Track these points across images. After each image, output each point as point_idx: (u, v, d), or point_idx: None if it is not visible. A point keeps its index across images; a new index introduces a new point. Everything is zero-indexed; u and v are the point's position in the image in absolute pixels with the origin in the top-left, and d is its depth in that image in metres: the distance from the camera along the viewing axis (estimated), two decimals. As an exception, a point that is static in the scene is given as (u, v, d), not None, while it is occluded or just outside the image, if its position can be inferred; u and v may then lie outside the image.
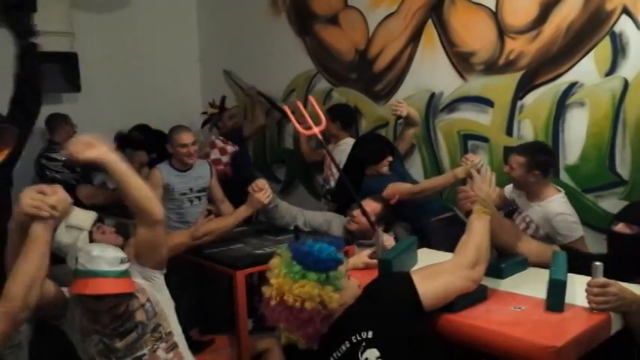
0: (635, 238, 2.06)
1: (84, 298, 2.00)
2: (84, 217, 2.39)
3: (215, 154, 4.49)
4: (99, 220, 2.47)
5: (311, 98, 3.08)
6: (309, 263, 1.70)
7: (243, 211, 3.11)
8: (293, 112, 3.08)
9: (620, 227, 2.10)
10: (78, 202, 3.89)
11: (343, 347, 1.68)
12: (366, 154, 3.57)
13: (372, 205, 3.10)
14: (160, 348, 2.13)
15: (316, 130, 2.72)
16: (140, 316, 2.12)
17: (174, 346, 2.17)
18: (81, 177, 4.07)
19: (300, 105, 3.05)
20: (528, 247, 2.22)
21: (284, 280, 1.69)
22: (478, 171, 2.96)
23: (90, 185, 4.11)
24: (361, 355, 1.65)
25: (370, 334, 1.66)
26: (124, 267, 2.03)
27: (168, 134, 3.85)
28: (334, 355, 1.69)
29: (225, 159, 4.51)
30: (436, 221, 3.27)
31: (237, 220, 3.10)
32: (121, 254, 2.06)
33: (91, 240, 2.50)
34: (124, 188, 2.04)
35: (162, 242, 2.20)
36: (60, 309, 2.07)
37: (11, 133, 2.96)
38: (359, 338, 1.67)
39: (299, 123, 2.76)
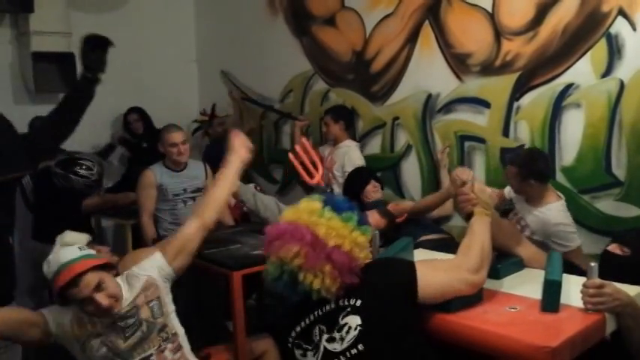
0: (623, 260, 2.04)
1: (69, 293, 1.98)
2: (79, 237, 2.42)
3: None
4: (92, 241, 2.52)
5: (305, 142, 3.11)
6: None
7: (232, 166, 2.40)
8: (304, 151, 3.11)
9: (613, 247, 2.09)
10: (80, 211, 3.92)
11: (327, 307, 1.71)
12: (348, 187, 3.71)
13: (375, 218, 3.09)
14: (167, 349, 2.09)
15: (318, 176, 2.88)
16: (145, 313, 2.08)
17: (179, 348, 2.13)
18: (94, 189, 3.97)
19: (307, 144, 3.10)
20: (526, 251, 2.21)
21: (342, 224, 1.74)
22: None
23: (94, 197, 4.11)
24: (342, 319, 1.67)
25: (359, 303, 1.68)
26: (84, 252, 2.06)
27: (159, 134, 3.84)
28: (315, 312, 1.72)
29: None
30: (426, 241, 3.26)
31: (231, 179, 2.41)
32: (75, 245, 2.08)
33: None
34: (220, 185, 2.35)
35: (196, 249, 2.27)
36: (42, 329, 2.06)
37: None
38: (346, 303, 1.69)
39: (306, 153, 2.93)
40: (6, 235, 2.94)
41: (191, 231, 2.24)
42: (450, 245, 3.28)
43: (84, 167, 3.77)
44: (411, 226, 3.39)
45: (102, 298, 1.99)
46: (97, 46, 3.03)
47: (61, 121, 3.03)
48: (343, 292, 1.71)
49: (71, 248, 2.07)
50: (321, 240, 1.70)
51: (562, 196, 3.01)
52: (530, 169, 2.90)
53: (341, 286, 1.69)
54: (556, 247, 2.81)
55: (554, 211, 2.90)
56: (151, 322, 2.09)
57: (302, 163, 2.96)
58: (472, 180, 2.11)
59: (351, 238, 1.72)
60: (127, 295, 2.09)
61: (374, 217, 3.08)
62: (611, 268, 2.01)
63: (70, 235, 2.37)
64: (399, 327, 1.67)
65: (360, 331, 1.64)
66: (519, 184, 2.94)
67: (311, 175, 2.89)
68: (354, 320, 1.66)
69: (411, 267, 1.77)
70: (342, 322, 1.67)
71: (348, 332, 1.64)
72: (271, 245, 1.75)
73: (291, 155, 3.04)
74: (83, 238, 2.43)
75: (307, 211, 1.76)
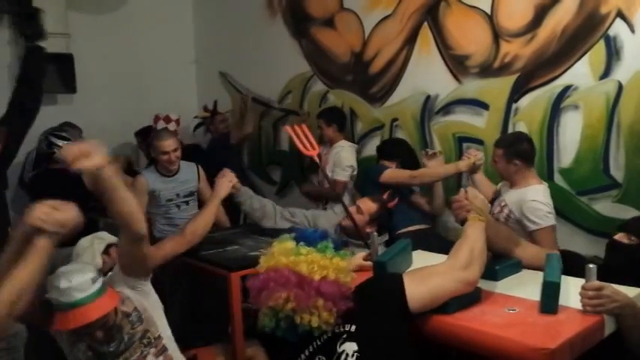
0: (631, 248, 2.05)
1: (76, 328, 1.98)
2: (110, 238, 2.54)
3: (161, 125, 4.86)
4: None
5: (304, 127, 3.17)
6: (338, 243, 1.80)
7: (214, 199, 3.06)
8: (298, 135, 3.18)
9: (620, 236, 2.11)
10: (83, 186, 3.92)
11: (325, 336, 1.70)
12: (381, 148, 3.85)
13: (367, 204, 3.07)
14: (150, 354, 2.13)
15: (314, 152, 3.00)
16: (125, 327, 2.11)
17: (163, 350, 2.16)
18: None
19: (304, 128, 3.16)
20: (525, 252, 2.21)
21: (320, 255, 1.72)
22: (478, 167, 3.24)
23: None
24: (339, 346, 1.67)
25: (353, 328, 1.68)
26: (97, 286, 1.96)
27: (150, 139, 3.83)
28: (314, 343, 1.71)
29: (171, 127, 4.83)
30: (403, 234, 3.26)
31: (213, 209, 3.02)
32: (89, 274, 1.97)
33: (106, 251, 2.55)
34: (109, 201, 1.92)
35: (145, 256, 2.13)
36: (45, 315, 2.03)
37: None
38: (341, 330, 1.69)
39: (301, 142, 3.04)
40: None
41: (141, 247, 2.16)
42: (428, 235, 3.32)
43: (65, 132, 3.93)
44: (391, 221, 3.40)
45: (99, 333, 2.02)
46: (32, 15, 3.09)
47: (21, 100, 3.08)
48: (340, 319, 1.71)
49: (85, 278, 1.96)
50: (306, 277, 1.68)
51: (544, 182, 3.02)
52: (516, 149, 2.94)
53: (338, 314, 1.69)
54: (528, 224, 2.82)
55: (533, 191, 2.91)
56: (131, 333, 2.12)
57: (299, 138, 3.04)
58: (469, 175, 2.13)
59: (333, 265, 1.71)
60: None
61: (366, 204, 3.07)
62: (619, 257, 2.05)
63: (104, 234, 2.55)
64: (395, 348, 1.67)
65: (357, 357, 1.64)
66: (505, 165, 2.96)
67: (307, 149, 2.98)
68: (351, 347, 1.66)
69: (398, 280, 1.77)
70: (339, 350, 1.67)
71: None
72: (259, 297, 1.72)
73: (289, 128, 3.09)
74: (113, 238, 2.54)
75: (283, 253, 1.75)
